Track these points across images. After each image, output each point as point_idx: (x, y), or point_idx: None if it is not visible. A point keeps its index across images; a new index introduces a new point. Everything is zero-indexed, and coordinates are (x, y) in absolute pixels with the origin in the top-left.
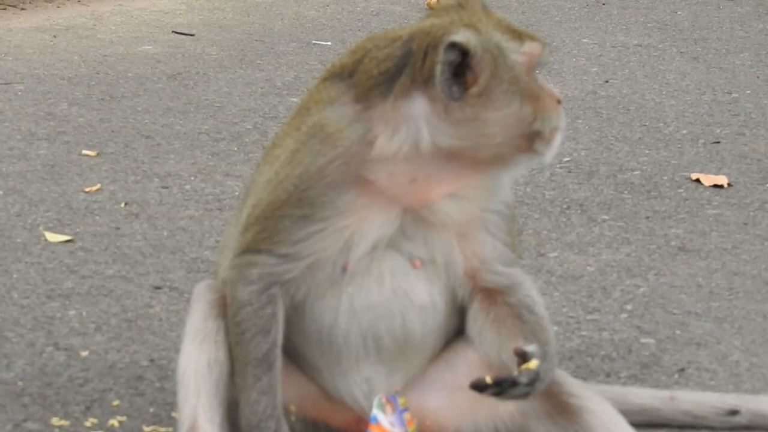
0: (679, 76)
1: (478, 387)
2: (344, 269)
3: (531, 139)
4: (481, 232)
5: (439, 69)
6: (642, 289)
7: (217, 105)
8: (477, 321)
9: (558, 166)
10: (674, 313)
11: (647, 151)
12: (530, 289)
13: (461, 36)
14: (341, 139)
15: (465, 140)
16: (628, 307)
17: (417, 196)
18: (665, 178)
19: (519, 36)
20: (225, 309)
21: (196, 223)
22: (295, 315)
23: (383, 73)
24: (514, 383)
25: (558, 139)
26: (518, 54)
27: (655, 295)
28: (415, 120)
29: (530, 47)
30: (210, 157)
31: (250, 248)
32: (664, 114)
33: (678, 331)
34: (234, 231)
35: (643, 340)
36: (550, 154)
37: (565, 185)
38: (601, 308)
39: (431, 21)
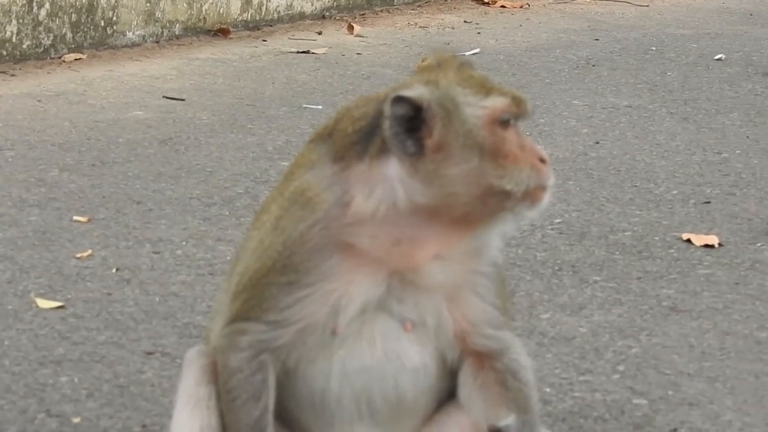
0: (669, 136)
1: None
2: (334, 333)
3: (501, 198)
4: (471, 294)
5: (386, 123)
6: (634, 350)
7: (209, 169)
8: (466, 386)
9: (549, 227)
10: (666, 374)
11: (638, 212)
12: (518, 353)
13: (411, 91)
14: (320, 202)
15: (436, 197)
16: (621, 367)
17: (402, 258)
18: (656, 238)
19: (485, 90)
20: (217, 374)
21: (187, 288)
22: (286, 380)
23: (358, 132)
24: None
25: (544, 200)
26: (476, 108)
27: (647, 355)
28: (390, 179)
29: (493, 101)
30: (201, 222)
31: (240, 316)
32: (655, 174)
33: (670, 392)
34: (225, 297)
35: (635, 401)
36: (530, 214)
37: (557, 247)
38: (594, 369)
39: (404, 80)
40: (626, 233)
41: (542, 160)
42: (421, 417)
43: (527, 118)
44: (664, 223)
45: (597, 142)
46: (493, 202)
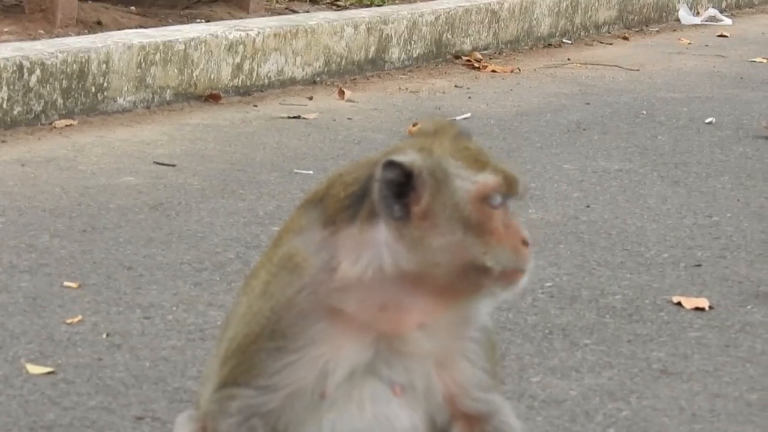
0: (660, 200)
1: None
2: (323, 396)
3: (480, 274)
4: (460, 359)
5: (375, 186)
6: (624, 413)
7: (200, 235)
8: None
9: (540, 291)
10: None
11: (629, 275)
12: (507, 416)
13: (404, 156)
14: (307, 267)
15: (420, 265)
16: (611, 430)
17: (389, 324)
18: (647, 301)
19: (479, 165)
20: None
21: (178, 353)
22: None
23: (349, 197)
24: None
25: (520, 282)
26: (467, 182)
27: (637, 418)
28: (378, 243)
29: (484, 177)
30: (192, 287)
31: (229, 381)
32: (646, 238)
33: None
34: (215, 362)
35: None
36: (505, 295)
37: (548, 310)
38: None
39: (397, 144)
40: (617, 296)
41: (525, 243)
42: None
43: (519, 197)
44: (654, 287)
45: (588, 206)
46: (472, 277)
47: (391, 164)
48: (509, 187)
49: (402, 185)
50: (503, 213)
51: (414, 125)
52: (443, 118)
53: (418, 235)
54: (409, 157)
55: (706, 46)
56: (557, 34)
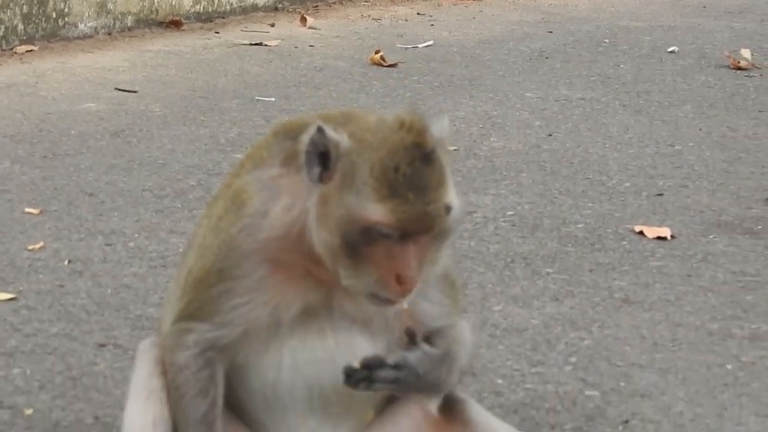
0: (622, 129)
1: (348, 376)
2: (281, 329)
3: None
4: (418, 299)
5: (304, 142)
6: (586, 342)
7: (161, 162)
8: None
9: (502, 219)
10: (618, 365)
11: (591, 204)
12: (461, 330)
13: (334, 134)
14: (249, 206)
15: (314, 236)
16: (573, 359)
17: (326, 279)
18: (609, 230)
19: (387, 193)
20: None
21: (140, 280)
22: (237, 373)
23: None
24: (381, 364)
25: (386, 307)
26: (360, 202)
27: (599, 347)
28: (304, 198)
29: (375, 211)
30: (154, 214)
31: (185, 315)
32: (608, 167)
33: (622, 383)
34: (176, 289)
35: (587, 392)
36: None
37: (509, 239)
38: (546, 361)
39: (361, 118)
40: (579, 225)
41: (400, 280)
42: (374, 408)
43: (435, 234)
44: (616, 216)
45: (550, 135)
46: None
47: (321, 131)
48: (401, 229)
49: (325, 156)
50: (396, 245)
51: (376, 52)
52: (421, 121)
53: (321, 210)
54: (336, 137)
55: None
56: None
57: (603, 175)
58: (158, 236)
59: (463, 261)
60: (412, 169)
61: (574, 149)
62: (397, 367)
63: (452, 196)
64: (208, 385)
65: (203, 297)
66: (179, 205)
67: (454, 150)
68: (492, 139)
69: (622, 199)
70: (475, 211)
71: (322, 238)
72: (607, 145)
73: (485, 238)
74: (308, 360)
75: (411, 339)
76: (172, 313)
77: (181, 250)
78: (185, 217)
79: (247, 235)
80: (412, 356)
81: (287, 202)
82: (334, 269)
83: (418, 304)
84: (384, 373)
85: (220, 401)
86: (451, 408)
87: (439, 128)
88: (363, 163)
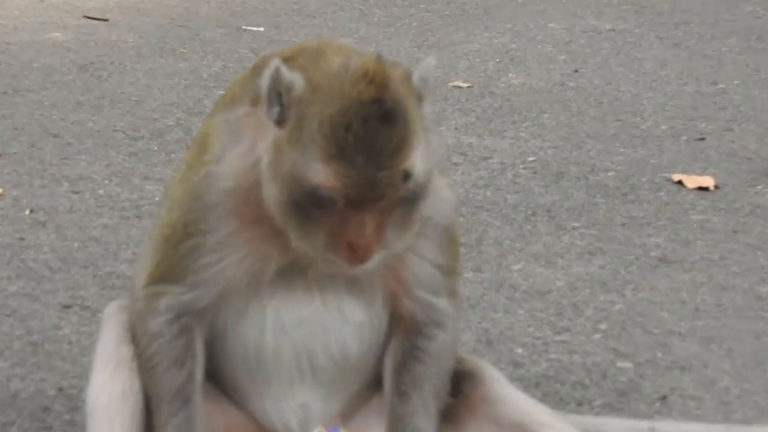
0: (658, 64)
1: None
2: (262, 287)
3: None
4: (409, 254)
5: (266, 77)
6: (618, 306)
7: (135, 99)
8: (390, 360)
9: (522, 166)
10: (655, 333)
11: (623, 150)
12: (444, 329)
13: (291, 74)
14: (209, 152)
15: (263, 188)
16: (603, 326)
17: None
18: (643, 179)
19: (335, 153)
20: None
21: (110, 233)
22: (217, 339)
23: None
24: None
25: (343, 269)
26: (307, 161)
27: (632, 312)
28: (261, 142)
29: (319, 172)
30: (127, 158)
31: (156, 277)
32: (642, 107)
33: (659, 354)
34: (150, 244)
35: (619, 364)
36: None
37: (530, 188)
38: (572, 328)
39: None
40: (609, 173)
41: (352, 248)
42: (368, 377)
43: (374, 202)
44: (652, 163)
45: (576, 71)
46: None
47: (278, 70)
48: (347, 196)
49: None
50: (347, 210)
51: None
52: (384, 72)
53: (273, 158)
54: (290, 80)
55: None
56: None
57: (636, 117)
58: (131, 183)
59: (477, 213)
60: (366, 128)
61: (603, 87)
62: None
63: (414, 161)
64: (184, 355)
65: (173, 256)
66: (155, 148)
67: (469, 87)
68: (510, 75)
69: (659, 144)
70: (491, 157)
71: (270, 192)
72: (641, 83)
73: (503, 187)
74: (294, 321)
75: None
76: (144, 273)
77: (157, 199)
78: (162, 162)
79: (208, 184)
80: None
81: (246, 146)
82: (284, 228)
83: (407, 259)
84: None
85: (198, 373)
86: (466, 379)
87: (422, 76)
88: (314, 116)
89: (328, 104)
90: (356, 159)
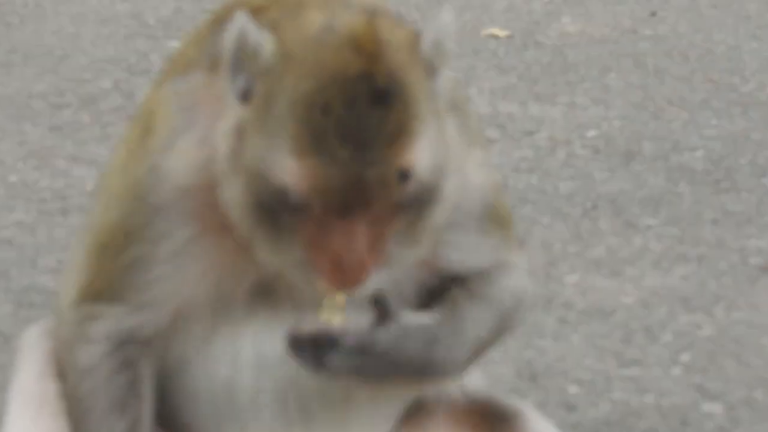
0: (763, 5)
1: (293, 344)
2: (235, 307)
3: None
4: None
5: (228, 36)
6: (706, 331)
7: (59, 53)
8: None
9: (579, 143)
10: (753, 367)
11: (715, 122)
12: (507, 277)
13: (263, 36)
14: (156, 138)
15: (222, 187)
16: (685, 357)
17: None
18: (742, 162)
19: (313, 144)
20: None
21: (27, 233)
22: (173, 374)
23: None
24: (333, 342)
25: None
26: (278, 153)
27: (725, 339)
28: (218, 125)
29: (289, 168)
30: (48, 132)
31: (89, 294)
32: (742, 65)
33: (758, 393)
34: (78, 253)
35: (706, 407)
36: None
37: (590, 173)
38: (644, 359)
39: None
40: (697, 153)
41: (339, 267)
42: (382, 425)
43: (361, 209)
44: (754, 139)
45: (653, 14)
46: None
47: (244, 27)
48: (323, 201)
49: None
50: (329, 216)
51: None
52: (377, 37)
53: (235, 145)
54: (258, 41)
55: None
56: None
57: (735, 76)
58: (54, 166)
59: (519, 206)
60: (351, 111)
61: (690, 37)
62: (358, 349)
63: (416, 155)
64: (126, 396)
65: (111, 268)
66: (86, 120)
67: (508, 36)
68: (564, 20)
69: (764, 113)
70: (537, 131)
71: (230, 190)
72: (740, 32)
73: (553, 171)
74: (277, 352)
75: (380, 315)
76: (73, 288)
77: (89, 188)
78: (95, 138)
79: (155, 180)
80: (383, 335)
81: (202, 129)
82: (247, 235)
83: (445, 251)
84: (336, 361)
85: (146, 418)
86: (499, 423)
87: (435, 39)
88: (285, 93)
89: (303, 78)
90: (337, 152)
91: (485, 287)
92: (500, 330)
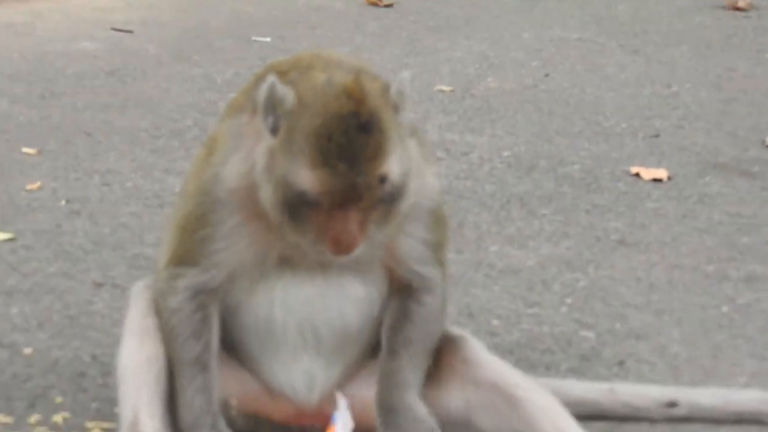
0: (618, 69)
1: None
2: (269, 268)
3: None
4: (401, 236)
5: (261, 91)
6: (582, 283)
7: (156, 101)
8: (385, 323)
9: (498, 160)
10: (614, 306)
11: (587, 145)
12: (433, 294)
13: (286, 90)
14: (216, 155)
15: (261, 193)
16: (568, 300)
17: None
18: (605, 171)
19: (318, 160)
20: None
21: (136, 219)
22: (231, 313)
23: None
24: None
25: (331, 258)
26: (294, 167)
27: (594, 288)
28: (258, 148)
29: (304, 178)
30: (150, 153)
31: (175, 259)
32: (604, 107)
33: (618, 324)
34: (168, 232)
35: (582, 333)
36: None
37: (505, 179)
38: (542, 302)
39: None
40: (575, 166)
41: (336, 243)
42: (367, 347)
43: (355, 204)
44: (613, 156)
45: (546, 75)
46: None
47: (273, 85)
48: (330, 200)
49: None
50: (332, 211)
51: None
52: (361, 89)
53: (268, 164)
54: (282, 95)
55: None
56: None
57: (599, 116)
58: (154, 176)
59: (458, 201)
60: (346, 138)
61: (570, 89)
62: None
63: (390, 166)
64: (201, 328)
65: (188, 242)
66: (176, 145)
67: (450, 90)
68: (488, 79)
69: (619, 140)
70: (471, 152)
71: (265, 193)
72: (603, 86)
73: (481, 178)
74: (299, 299)
75: None
76: (165, 256)
77: (177, 189)
78: (181, 157)
79: (215, 183)
80: None
81: (245, 152)
82: (279, 224)
83: (400, 241)
84: None
85: (214, 342)
86: (449, 345)
87: (398, 89)
88: (301, 127)
89: (313, 117)
90: (338, 166)
91: (418, 326)
92: (432, 347)
